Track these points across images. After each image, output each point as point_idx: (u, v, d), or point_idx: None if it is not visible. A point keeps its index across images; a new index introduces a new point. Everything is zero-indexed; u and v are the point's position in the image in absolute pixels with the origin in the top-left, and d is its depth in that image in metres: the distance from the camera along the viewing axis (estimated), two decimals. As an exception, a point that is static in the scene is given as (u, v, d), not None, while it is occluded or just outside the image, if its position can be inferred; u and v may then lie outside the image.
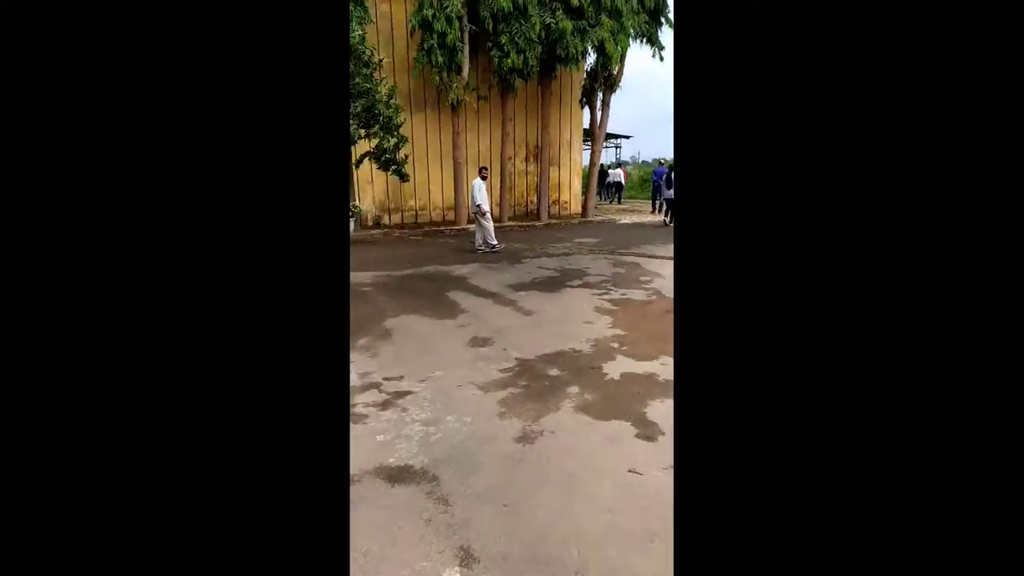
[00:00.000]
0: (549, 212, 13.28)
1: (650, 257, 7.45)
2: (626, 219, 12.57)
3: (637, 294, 5.28)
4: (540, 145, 11.88)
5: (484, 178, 8.31)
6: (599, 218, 12.47)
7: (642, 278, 6.04)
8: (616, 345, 3.74)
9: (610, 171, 21.64)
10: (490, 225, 8.18)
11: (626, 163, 27.10)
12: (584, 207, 12.46)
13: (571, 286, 5.71)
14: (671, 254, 7.59)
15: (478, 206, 8.05)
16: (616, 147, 27.24)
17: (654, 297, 5.16)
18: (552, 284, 5.82)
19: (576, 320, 4.40)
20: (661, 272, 6.36)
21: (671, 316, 4.89)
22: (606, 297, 5.18)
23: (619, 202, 19.14)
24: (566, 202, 13.54)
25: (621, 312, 4.64)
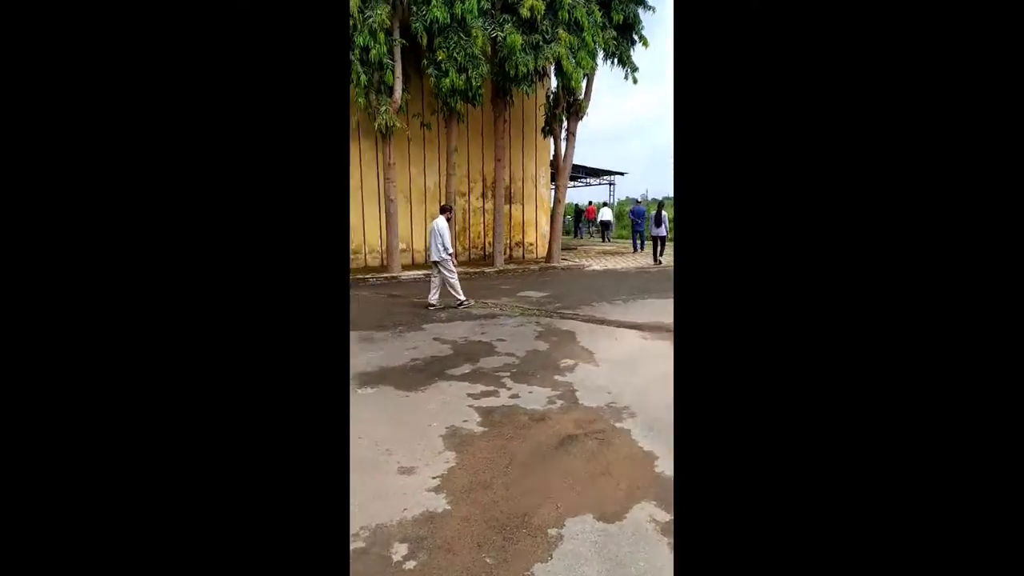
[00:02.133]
0: (512, 256, 11.54)
1: (597, 323, 5.58)
2: (599, 264, 10.75)
3: (537, 396, 3.39)
4: (495, 180, 10.24)
5: (448, 219, 6.70)
6: (565, 263, 10.66)
7: (563, 362, 4.16)
8: (401, 554, 1.84)
9: (600, 210, 20.93)
10: (455, 275, 6.53)
11: (613, 203, 26.15)
12: (549, 251, 10.69)
13: (452, 376, 3.85)
14: (628, 318, 5.73)
15: (451, 254, 6.43)
16: (610, 184, 25.92)
17: (557, 405, 3.26)
18: (428, 371, 3.96)
19: (391, 462, 2.53)
20: (596, 351, 4.47)
21: (561, 454, 2.34)
22: (486, 402, 3.30)
23: (607, 241, 18.82)
24: (531, 244, 11.80)
25: (483, 443, 2.74)
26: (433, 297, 6.50)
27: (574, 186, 29.48)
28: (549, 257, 10.63)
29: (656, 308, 6.30)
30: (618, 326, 5.38)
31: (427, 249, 6.73)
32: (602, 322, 5.59)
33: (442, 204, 7.90)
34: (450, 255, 6.46)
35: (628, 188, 45.39)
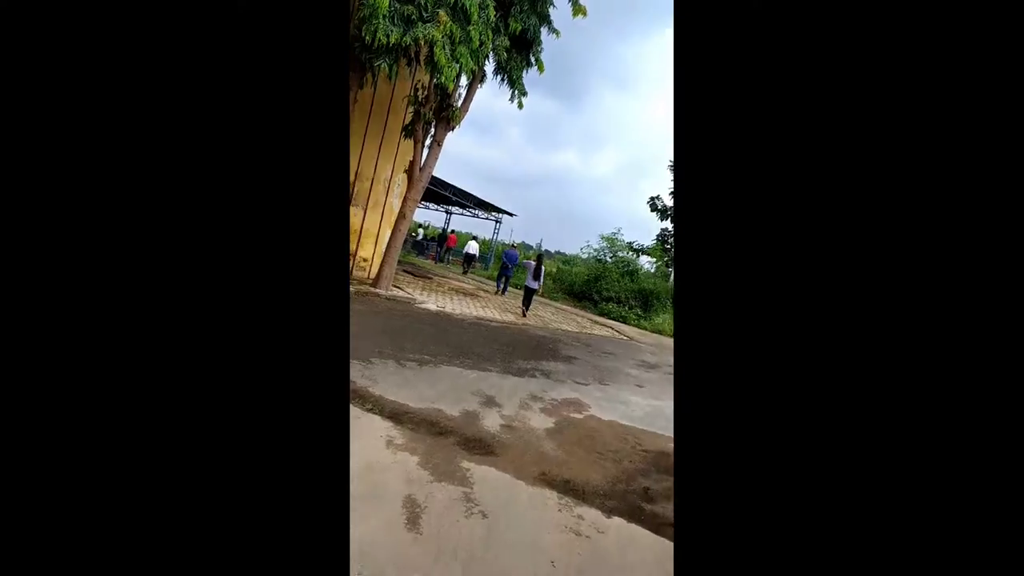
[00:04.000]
0: (336, 268, 9.28)
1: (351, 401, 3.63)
2: (438, 302, 8.92)
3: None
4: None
5: None
6: (395, 292, 8.69)
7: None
8: None
9: (468, 242, 20.52)
10: None
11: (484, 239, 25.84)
12: (379, 273, 8.66)
13: None
14: (402, 392, 3.85)
15: None
16: (497, 221, 24.84)
17: None
18: None
19: None
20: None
21: None
22: None
23: (466, 274, 18.75)
24: (366, 261, 9.68)
25: None
26: None
27: (460, 214, 28.14)
28: (377, 280, 8.57)
29: (457, 383, 4.54)
30: (370, 409, 3.48)
31: None
32: (354, 397, 3.64)
33: None
34: None
35: (523, 232, 45.76)
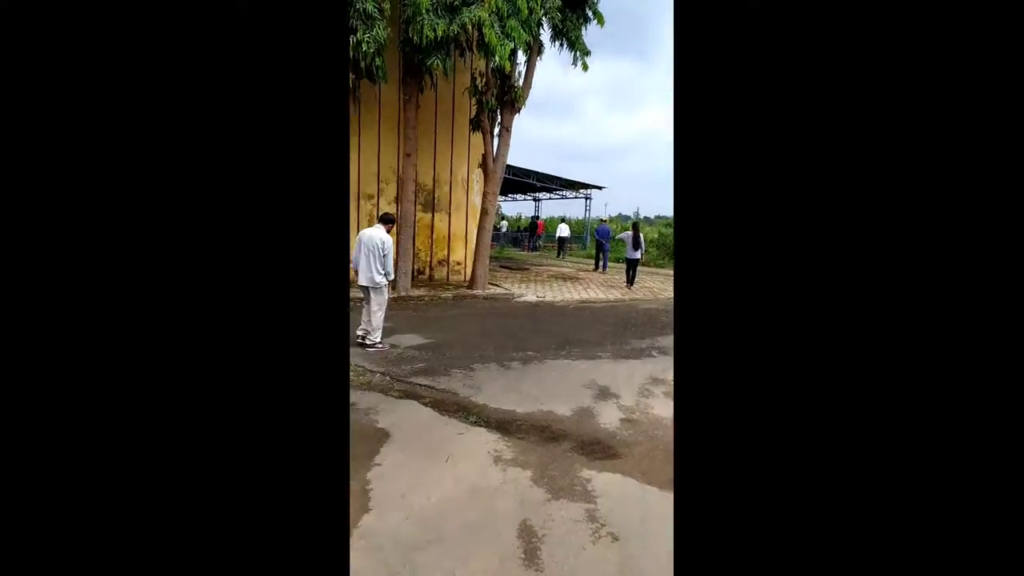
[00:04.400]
0: (433, 276, 9.39)
1: (450, 411, 3.40)
2: (537, 293, 8.60)
3: None
4: (402, 180, 8.09)
5: (389, 231, 4.97)
6: (492, 290, 8.50)
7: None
8: None
9: (559, 225, 19.88)
10: (383, 308, 4.93)
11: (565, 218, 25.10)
12: (473, 274, 8.53)
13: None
14: (506, 399, 3.57)
15: (391, 279, 4.92)
16: (586, 198, 24.01)
17: None
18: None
19: None
20: (387, 492, 2.29)
21: None
22: None
23: (561, 257, 17.91)
24: (459, 264, 9.63)
25: None
26: (362, 332, 4.91)
27: (549, 199, 27.63)
28: (472, 281, 8.46)
29: (565, 377, 4.17)
30: (475, 421, 3.22)
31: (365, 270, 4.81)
32: (457, 409, 3.42)
33: (383, 213, 5.50)
34: (390, 280, 4.91)
35: (620, 203, 44.39)
